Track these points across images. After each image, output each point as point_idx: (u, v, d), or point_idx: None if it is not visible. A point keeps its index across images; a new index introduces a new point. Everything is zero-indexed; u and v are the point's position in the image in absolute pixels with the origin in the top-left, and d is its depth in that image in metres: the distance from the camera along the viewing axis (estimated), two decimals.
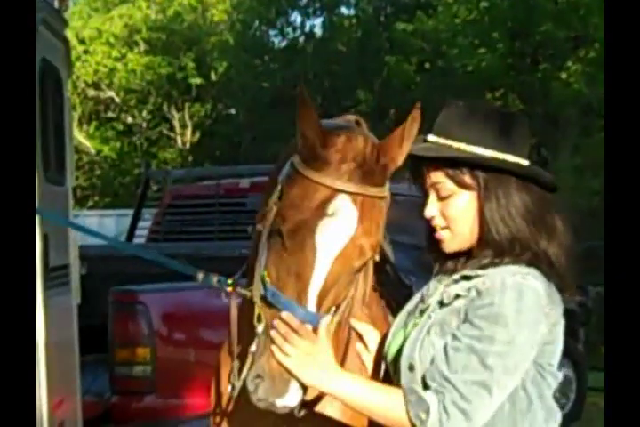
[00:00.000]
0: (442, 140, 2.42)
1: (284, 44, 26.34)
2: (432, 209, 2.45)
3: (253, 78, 24.57)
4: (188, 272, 3.07)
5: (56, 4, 4.65)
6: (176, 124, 27.45)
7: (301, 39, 25.99)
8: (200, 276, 2.99)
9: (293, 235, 2.45)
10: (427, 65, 23.12)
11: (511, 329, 2.25)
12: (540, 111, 18.18)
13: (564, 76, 21.33)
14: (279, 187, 2.58)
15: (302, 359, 2.36)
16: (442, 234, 2.45)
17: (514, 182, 2.38)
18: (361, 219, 2.44)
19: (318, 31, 26.11)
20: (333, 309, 2.53)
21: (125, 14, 26.46)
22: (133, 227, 8.16)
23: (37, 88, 4.08)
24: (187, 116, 27.22)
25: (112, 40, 26.08)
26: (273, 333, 2.38)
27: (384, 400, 2.35)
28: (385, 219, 2.54)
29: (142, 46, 26.37)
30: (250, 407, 2.82)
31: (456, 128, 2.43)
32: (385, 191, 2.52)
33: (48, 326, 3.94)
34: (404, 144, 2.47)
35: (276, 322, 2.39)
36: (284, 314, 2.40)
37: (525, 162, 2.42)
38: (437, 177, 2.41)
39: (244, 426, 3.02)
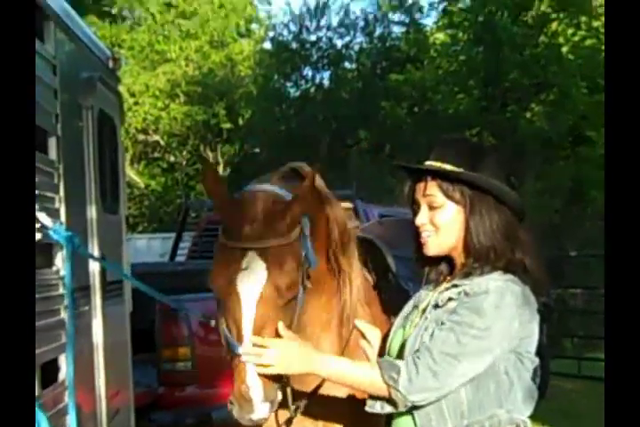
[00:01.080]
0: (437, 164, 2.41)
1: (297, 93, 26.35)
2: (423, 217, 2.45)
3: (273, 122, 24.58)
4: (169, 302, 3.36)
5: (111, 65, 4.68)
6: (211, 161, 27.45)
7: (312, 89, 25.98)
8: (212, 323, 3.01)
9: (225, 291, 2.50)
10: (415, 108, 23.13)
11: (488, 319, 2.26)
12: (509, 145, 18.14)
13: (528, 115, 21.31)
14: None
15: (283, 361, 2.38)
16: (426, 238, 2.45)
17: (493, 203, 2.37)
18: (270, 266, 2.47)
19: (326, 82, 26.13)
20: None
21: (168, 71, 26.52)
22: (175, 247, 8.17)
23: (96, 134, 4.09)
24: (219, 155, 27.23)
25: (157, 93, 26.13)
26: (244, 358, 2.42)
27: (367, 373, 2.34)
28: (299, 258, 2.56)
29: (182, 98, 26.40)
30: None
31: (449, 156, 2.42)
32: (291, 238, 2.55)
33: (106, 330, 3.93)
34: (299, 203, 2.54)
35: (243, 349, 2.43)
36: (248, 340, 2.44)
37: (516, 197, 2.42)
38: (432, 190, 2.41)
39: None
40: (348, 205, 3.58)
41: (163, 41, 27.05)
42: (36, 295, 2.88)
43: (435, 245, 2.44)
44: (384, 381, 2.27)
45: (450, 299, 2.34)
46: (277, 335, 2.49)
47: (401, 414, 2.41)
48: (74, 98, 3.81)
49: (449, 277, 2.45)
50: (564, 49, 20.64)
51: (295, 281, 2.55)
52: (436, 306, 2.37)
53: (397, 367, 2.27)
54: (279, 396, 2.56)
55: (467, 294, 2.30)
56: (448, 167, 2.39)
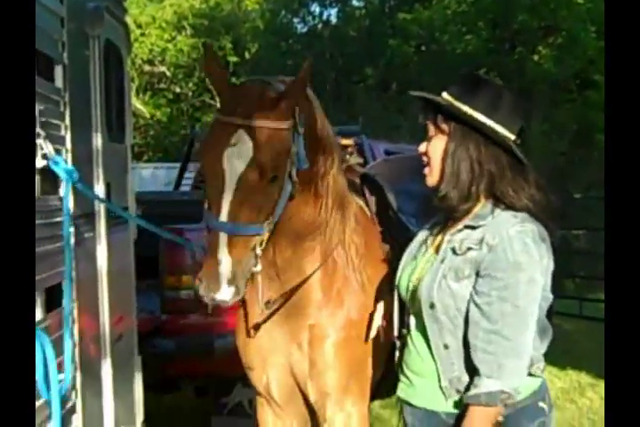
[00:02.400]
0: (448, 97, 2.39)
1: (305, 29, 26.06)
2: (422, 146, 2.46)
3: (280, 57, 24.37)
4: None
5: None
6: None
7: (319, 26, 25.69)
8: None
9: (210, 166, 2.53)
10: (423, 48, 22.89)
11: (527, 270, 2.24)
12: (516, 87, 17.98)
13: (536, 58, 21.09)
14: None
15: None
16: (425, 170, 2.47)
17: (481, 139, 2.34)
18: (258, 146, 2.49)
19: (333, 19, 25.83)
20: (266, 222, 2.59)
21: (175, 3, 26.19)
22: (180, 177, 8.17)
23: (102, 64, 4.05)
24: None
25: (164, 25, 25.85)
26: (220, 230, 2.48)
27: None
28: (288, 148, 2.59)
29: (189, 30, 26.12)
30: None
31: (465, 93, 2.40)
32: (283, 125, 2.57)
33: (110, 257, 3.96)
34: (294, 89, 2.62)
35: (219, 220, 2.49)
36: (226, 212, 2.49)
37: (512, 136, 2.39)
38: (429, 120, 2.43)
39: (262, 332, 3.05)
40: (347, 141, 3.56)
41: None
42: (41, 221, 2.90)
43: (431, 174, 2.44)
44: (490, 403, 2.23)
45: (470, 248, 2.31)
46: (253, 215, 2.52)
47: (416, 355, 2.42)
48: (80, 27, 3.76)
49: (457, 216, 2.42)
50: None
51: (280, 166, 2.57)
52: (454, 252, 2.34)
53: (489, 384, 2.24)
54: (244, 290, 2.58)
55: (490, 247, 2.26)
56: (454, 103, 2.36)
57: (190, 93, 27.87)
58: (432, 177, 2.44)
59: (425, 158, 2.45)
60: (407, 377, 2.47)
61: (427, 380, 2.39)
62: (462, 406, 2.30)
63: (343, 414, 2.95)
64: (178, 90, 27.81)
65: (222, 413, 5.21)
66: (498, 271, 2.24)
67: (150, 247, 5.00)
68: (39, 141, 2.87)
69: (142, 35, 25.34)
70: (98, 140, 3.92)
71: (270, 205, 2.59)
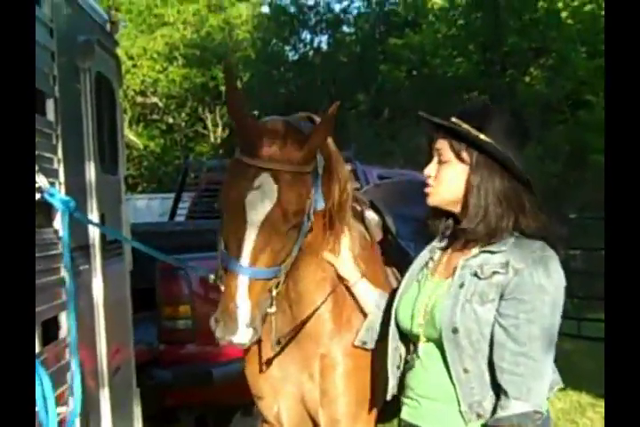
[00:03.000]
0: (458, 122, 2.42)
1: (296, 57, 26.25)
2: (431, 169, 2.47)
3: (271, 86, 24.51)
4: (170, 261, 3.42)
5: (108, 28, 4.66)
6: (209, 123, 27.39)
7: (310, 53, 25.88)
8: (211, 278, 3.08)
9: (231, 207, 2.52)
10: (414, 72, 23.05)
11: (552, 293, 2.28)
12: (508, 109, 18.10)
13: (527, 79, 21.24)
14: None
15: None
16: (428, 190, 2.48)
17: (498, 168, 2.37)
18: (282, 191, 2.49)
19: (324, 46, 26.02)
20: (282, 266, 2.59)
21: (166, 35, 26.36)
22: (175, 207, 8.19)
23: (94, 96, 4.09)
24: (218, 117, 27.16)
25: (155, 56, 26.01)
26: (239, 272, 2.47)
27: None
28: (309, 191, 2.60)
29: (180, 60, 26.28)
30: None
31: (474, 118, 2.43)
32: (306, 168, 2.57)
33: (106, 288, 3.96)
34: (320, 134, 2.60)
35: (240, 264, 2.48)
36: (246, 256, 2.49)
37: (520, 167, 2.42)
38: (442, 145, 2.44)
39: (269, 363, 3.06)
40: (347, 167, 3.58)
41: (160, 4, 26.86)
42: (38, 254, 2.91)
43: (435, 195, 2.47)
44: (522, 424, 2.26)
45: (495, 272, 2.32)
46: (273, 259, 2.53)
47: (426, 380, 2.43)
48: (71, 60, 3.80)
49: (471, 243, 2.42)
50: (564, 14, 20.50)
51: (302, 210, 2.57)
52: (477, 276, 2.35)
53: (519, 408, 2.26)
54: (260, 331, 2.57)
55: (515, 271, 2.29)
56: (463, 126, 2.39)
57: (183, 124, 27.99)
58: (435, 197, 2.47)
59: (430, 181, 2.47)
60: (414, 400, 2.47)
61: (442, 404, 2.39)
62: None
63: None
64: (171, 120, 27.93)
65: None
66: (525, 294, 2.27)
67: (146, 279, 5.02)
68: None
69: (134, 66, 25.50)
70: (91, 172, 3.94)
71: (289, 247, 2.61)
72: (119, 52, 5.15)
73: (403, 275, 2.67)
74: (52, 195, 2.94)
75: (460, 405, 2.34)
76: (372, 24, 25.26)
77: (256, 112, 26.91)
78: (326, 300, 2.95)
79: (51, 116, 3.36)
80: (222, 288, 2.56)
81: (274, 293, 2.61)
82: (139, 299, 4.89)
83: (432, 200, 2.49)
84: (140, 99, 26.68)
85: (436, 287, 2.45)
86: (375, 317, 2.85)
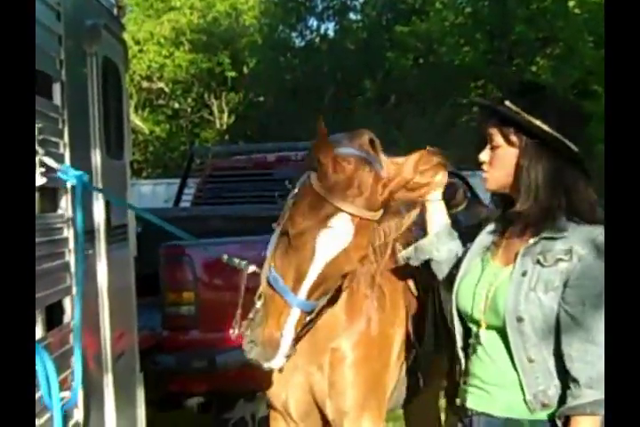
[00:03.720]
0: (511, 106, 2.38)
1: (303, 43, 26.22)
2: (484, 155, 2.46)
3: (278, 72, 24.48)
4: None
5: (115, 12, 4.63)
6: (215, 109, 27.37)
7: (317, 39, 25.85)
8: (225, 257, 3.08)
9: (299, 237, 2.52)
10: (421, 60, 23.02)
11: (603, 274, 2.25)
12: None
13: (534, 69, 21.19)
14: (295, 191, 2.65)
15: None
16: (484, 175, 2.48)
17: (548, 151, 2.36)
18: (355, 235, 2.51)
19: (331, 33, 25.99)
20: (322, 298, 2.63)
21: (173, 19, 26.31)
22: (180, 193, 8.17)
23: (100, 81, 4.07)
24: (223, 103, 27.14)
25: (162, 41, 25.96)
26: (294, 305, 2.51)
27: None
28: (371, 237, 2.62)
29: (187, 46, 26.24)
30: None
31: (525, 100, 2.40)
32: (377, 216, 2.59)
33: (110, 274, 3.96)
34: (401, 180, 2.58)
35: (298, 298, 2.52)
36: (305, 291, 2.52)
37: (576, 149, 2.39)
38: (494, 130, 2.42)
39: None
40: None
41: None
42: (42, 238, 2.91)
43: (491, 180, 2.47)
44: (595, 412, 2.25)
45: (559, 259, 2.31)
46: (324, 293, 2.58)
47: (492, 367, 2.41)
48: (78, 44, 3.78)
49: (529, 227, 2.40)
50: (571, 3, 20.43)
51: (365, 256, 2.62)
52: (540, 264, 2.34)
53: (587, 393, 2.25)
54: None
55: (579, 255, 2.28)
56: (513, 109, 2.37)
57: (189, 109, 27.96)
58: (492, 183, 2.47)
59: (485, 167, 2.46)
60: (480, 388, 2.45)
61: (507, 390, 2.38)
62: (556, 419, 2.31)
63: None
64: (176, 106, 27.91)
65: None
66: (590, 280, 2.27)
67: (151, 264, 5.01)
68: (38, 158, 2.88)
69: (140, 51, 25.46)
70: (97, 157, 3.93)
71: (334, 287, 2.69)
72: (126, 36, 5.13)
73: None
74: (63, 172, 2.94)
75: (524, 394, 2.34)
76: (378, 11, 25.20)
77: (262, 98, 26.95)
78: (339, 296, 2.95)
79: (57, 100, 3.34)
80: (259, 306, 2.60)
81: (307, 318, 2.64)
82: (143, 284, 4.88)
83: (489, 185, 2.49)
84: (146, 84, 26.65)
85: (497, 274, 2.42)
86: (430, 242, 2.79)
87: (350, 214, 2.50)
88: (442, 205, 2.87)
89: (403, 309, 3.12)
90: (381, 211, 2.61)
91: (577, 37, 19.56)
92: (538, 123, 2.35)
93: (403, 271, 3.20)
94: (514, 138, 2.39)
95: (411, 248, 2.84)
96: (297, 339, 2.63)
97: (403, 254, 2.86)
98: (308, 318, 2.65)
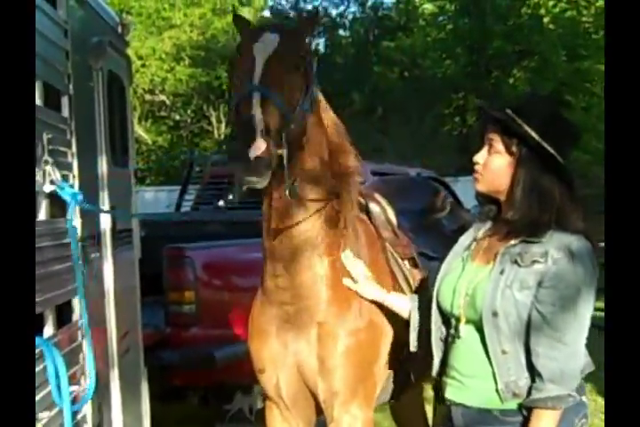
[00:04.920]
0: (514, 116, 2.38)
1: None
2: (480, 157, 2.45)
3: None
4: None
5: (119, 30, 4.63)
6: (213, 120, 27.35)
7: None
8: None
9: (240, 64, 2.69)
10: (406, 73, 23.05)
11: (587, 281, 2.28)
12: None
13: (511, 81, 21.24)
14: None
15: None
16: (476, 176, 2.47)
17: (544, 167, 2.35)
18: (281, 42, 2.67)
19: (321, 48, 25.97)
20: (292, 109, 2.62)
21: (173, 36, 26.28)
22: (181, 199, 8.16)
23: (106, 94, 4.06)
24: (222, 114, 27.12)
25: (163, 56, 25.93)
26: (254, 92, 2.56)
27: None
28: (308, 55, 2.75)
29: (187, 61, 26.21)
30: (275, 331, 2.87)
31: (528, 113, 2.39)
32: (302, 50, 2.73)
33: (116, 275, 3.95)
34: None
35: (253, 82, 2.58)
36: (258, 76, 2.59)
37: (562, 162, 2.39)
38: (494, 136, 2.42)
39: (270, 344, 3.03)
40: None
41: (168, 8, 26.74)
42: (51, 242, 2.91)
43: (483, 182, 2.46)
44: (556, 406, 2.27)
45: (534, 261, 2.32)
46: (281, 89, 2.59)
47: (468, 359, 2.42)
48: (85, 60, 3.78)
49: (512, 233, 2.40)
50: (546, 19, 20.49)
51: (301, 66, 2.70)
52: (517, 264, 2.34)
53: (550, 388, 2.27)
54: (275, 148, 2.51)
55: (554, 259, 2.29)
56: (517, 120, 2.36)
57: (189, 120, 27.94)
58: (482, 184, 2.47)
59: (478, 168, 2.45)
60: (457, 380, 2.46)
61: (481, 381, 2.39)
62: (523, 409, 2.33)
63: (349, 416, 2.91)
64: (177, 117, 27.88)
65: (224, 420, 5.20)
66: (562, 283, 2.28)
67: (154, 265, 5.01)
68: (47, 168, 2.88)
69: (143, 66, 25.41)
70: (103, 166, 3.93)
71: (294, 95, 2.65)
72: (129, 52, 5.12)
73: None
74: (62, 188, 2.93)
75: (496, 383, 2.34)
76: (366, 28, 25.25)
77: None
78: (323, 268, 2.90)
79: (65, 112, 3.34)
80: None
81: (283, 137, 2.54)
82: (147, 284, 4.87)
83: (479, 186, 2.48)
84: (148, 96, 26.61)
85: (477, 272, 2.44)
86: (416, 319, 2.80)
87: (271, 28, 2.76)
88: (390, 295, 2.93)
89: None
90: (306, 48, 2.80)
91: (551, 51, 19.60)
92: (537, 137, 2.35)
93: (390, 267, 3.19)
94: (514, 148, 2.38)
95: (412, 336, 2.80)
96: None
97: (412, 347, 2.81)
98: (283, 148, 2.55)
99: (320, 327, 2.90)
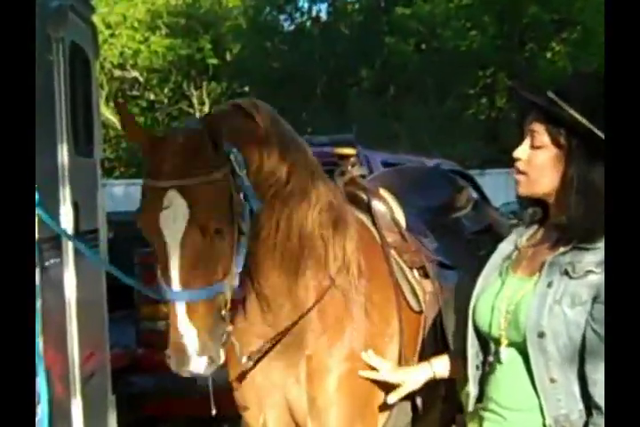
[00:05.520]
0: (559, 101, 2.36)
1: (292, 27, 26.27)
2: (522, 152, 2.39)
3: (264, 59, 24.51)
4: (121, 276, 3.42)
5: None
6: (195, 100, 27.40)
7: (308, 23, 25.90)
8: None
9: (150, 235, 2.56)
10: (423, 46, 23.08)
11: None
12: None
13: (548, 55, 21.27)
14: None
15: None
16: (519, 177, 2.41)
17: (600, 160, 2.32)
18: (192, 204, 2.50)
19: (324, 15, 26.03)
20: (224, 282, 2.59)
21: (148, 1, 26.35)
22: None
23: (67, 69, 4.06)
24: (204, 94, 27.16)
25: (136, 24, 26.00)
26: (176, 301, 2.49)
27: None
28: (229, 198, 2.59)
29: (164, 30, 26.27)
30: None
31: (575, 96, 2.37)
32: (214, 175, 2.56)
33: (79, 285, 3.95)
34: (214, 128, 2.57)
35: (173, 290, 2.50)
36: (176, 280, 2.51)
37: None
38: (538, 127, 2.36)
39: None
40: (349, 151, 3.53)
41: None
42: None
43: (528, 184, 2.41)
44: None
45: (589, 271, 2.28)
46: (208, 277, 2.54)
47: (510, 389, 2.40)
48: (42, 29, 3.78)
49: (564, 238, 2.38)
50: None
51: (224, 221, 2.58)
52: (568, 275, 2.31)
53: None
54: (222, 356, 2.58)
55: None
56: (563, 106, 2.34)
57: (166, 101, 27.97)
58: (527, 187, 2.41)
59: (520, 166, 2.42)
60: (497, 414, 2.44)
61: (526, 415, 2.36)
62: None
63: None
64: (152, 97, 27.91)
65: None
66: None
67: (124, 273, 5.00)
68: None
69: (112, 36, 25.48)
70: (63, 155, 3.92)
71: (225, 260, 2.61)
72: (95, 19, 5.12)
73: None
74: None
75: (544, 418, 2.33)
76: None
77: (246, 88, 26.96)
78: (312, 308, 2.93)
79: None
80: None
81: (223, 312, 2.60)
82: (115, 297, 4.87)
83: (524, 190, 2.42)
84: (118, 72, 26.66)
85: (520, 285, 2.40)
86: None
87: (176, 188, 2.52)
88: (433, 367, 2.82)
89: (395, 321, 3.08)
90: (221, 169, 2.60)
91: (596, 20, 19.60)
92: (590, 126, 2.31)
93: (397, 280, 3.18)
94: (563, 140, 2.34)
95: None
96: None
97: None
98: (224, 308, 2.59)
99: (309, 362, 2.94)
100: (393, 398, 2.85)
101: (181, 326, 2.50)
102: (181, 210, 2.51)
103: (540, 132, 2.37)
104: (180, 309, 2.50)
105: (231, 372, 3.11)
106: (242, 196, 2.67)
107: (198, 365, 2.54)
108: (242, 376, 3.03)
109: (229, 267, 2.62)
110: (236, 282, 2.66)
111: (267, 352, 2.97)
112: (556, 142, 2.35)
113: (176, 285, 2.52)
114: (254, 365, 2.99)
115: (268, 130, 2.85)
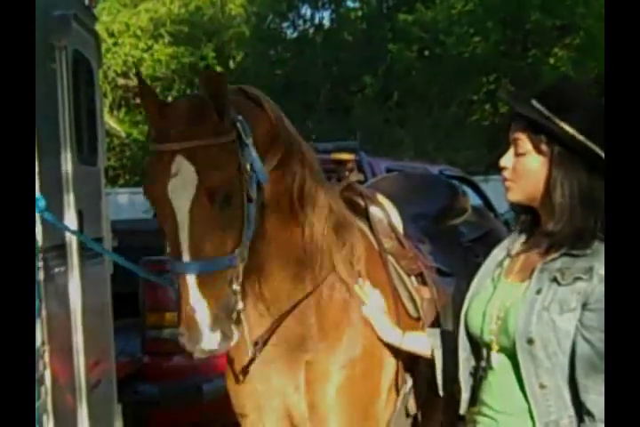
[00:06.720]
0: (541, 108, 2.36)
1: (295, 34, 26.24)
2: (507, 160, 2.43)
3: (268, 66, 24.51)
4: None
5: (86, 2, 4.64)
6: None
7: (311, 30, 25.87)
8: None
9: (158, 204, 2.49)
10: (426, 52, 23.05)
11: None
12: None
13: (552, 61, 21.24)
14: None
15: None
16: (506, 184, 2.45)
17: (583, 164, 2.33)
18: (200, 169, 2.44)
19: (327, 23, 26.02)
20: (237, 251, 2.53)
21: (151, 9, 26.35)
22: None
23: (70, 78, 4.07)
24: None
25: (139, 33, 25.99)
26: (186, 273, 2.43)
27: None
28: (238, 163, 2.54)
29: (167, 38, 26.25)
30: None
31: (556, 101, 2.38)
32: (222, 139, 2.52)
33: (84, 293, 3.95)
34: (220, 94, 2.55)
35: (184, 262, 2.43)
36: (187, 251, 2.43)
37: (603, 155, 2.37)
38: (520, 135, 2.40)
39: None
40: (347, 156, 3.53)
41: None
42: None
43: (515, 190, 2.43)
44: None
45: (577, 278, 2.29)
46: (218, 247, 2.48)
47: (502, 394, 2.41)
48: (46, 38, 3.79)
49: (554, 245, 2.37)
50: None
51: (231, 186, 2.51)
52: (557, 282, 2.32)
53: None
54: (235, 333, 2.52)
55: (599, 276, 2.25)
56: (543, 112, 2.35)
57: None
58: (515, 193, 2.44)
59: (506, 174, 2.44)
60: (489, 417, 2.44)
61: (517, 419, 2.37)
62: None
63: None
64: None
65: None
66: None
67: (129, 282, 5.00)
68: None
69: (115, 44, 25.47)
70: (67, 164, 3.93)
71: (235, 231, 2.54)
72: (98, 28, 5.13)
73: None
74: None
75: (534, 422, 2.33)
76: None
77: None
78: (307, 297, 2.90)
79: None
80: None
81: (235, 286, 2.53)
82: (121, 304, 4.87)
83: (512, 197, 2.45)
84: (121, 81, 26.66)
85: (511, 291, 2.41)
86: (441, 358, 2.77)
87: (183, 150, 2.46)
88: (407, 336, 2.92)
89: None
90: (229, 133, 2.55)
91: (600, 26, 19.59)
92: (571, 131, 2.32)
93: (396, 286, 3.18)
94: (544, 146, 2.36)
95: (440, 379, 2.77)
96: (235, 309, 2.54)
97: (441, 391, 2.78)
98: (236, 283, 2.54)
99: (309, 368, 2.93)
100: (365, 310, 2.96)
101: (193, 300, 2.43)
102: (189, 175, 2.44)
103: (523, 140, 2.40)
104: (191, 281, 2.43)
105: (229, 379, 3.10)
106: (248, 167, 2.59)
107: (212, 340, 2.47)
108: (244, 371, 2.99)
109: (239, 238, 2.55)
110: (245, 255, 2.59)
111: (266, 358, 2.95)
112: (537, 149, 2.37)
113: (186, 256, 2.44)
114: (246, 366, 2.97)
115: (267, 108, 2.88)
